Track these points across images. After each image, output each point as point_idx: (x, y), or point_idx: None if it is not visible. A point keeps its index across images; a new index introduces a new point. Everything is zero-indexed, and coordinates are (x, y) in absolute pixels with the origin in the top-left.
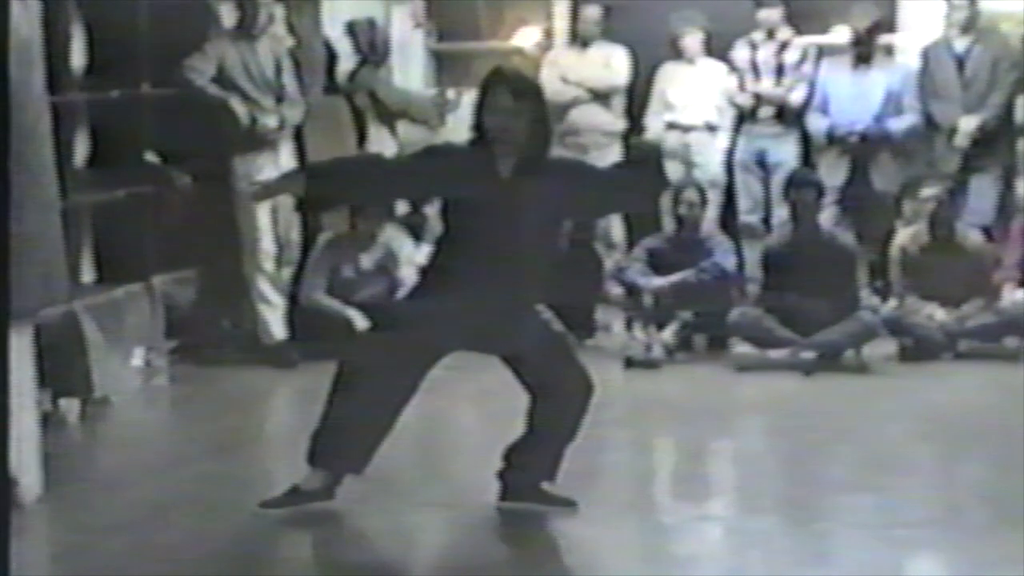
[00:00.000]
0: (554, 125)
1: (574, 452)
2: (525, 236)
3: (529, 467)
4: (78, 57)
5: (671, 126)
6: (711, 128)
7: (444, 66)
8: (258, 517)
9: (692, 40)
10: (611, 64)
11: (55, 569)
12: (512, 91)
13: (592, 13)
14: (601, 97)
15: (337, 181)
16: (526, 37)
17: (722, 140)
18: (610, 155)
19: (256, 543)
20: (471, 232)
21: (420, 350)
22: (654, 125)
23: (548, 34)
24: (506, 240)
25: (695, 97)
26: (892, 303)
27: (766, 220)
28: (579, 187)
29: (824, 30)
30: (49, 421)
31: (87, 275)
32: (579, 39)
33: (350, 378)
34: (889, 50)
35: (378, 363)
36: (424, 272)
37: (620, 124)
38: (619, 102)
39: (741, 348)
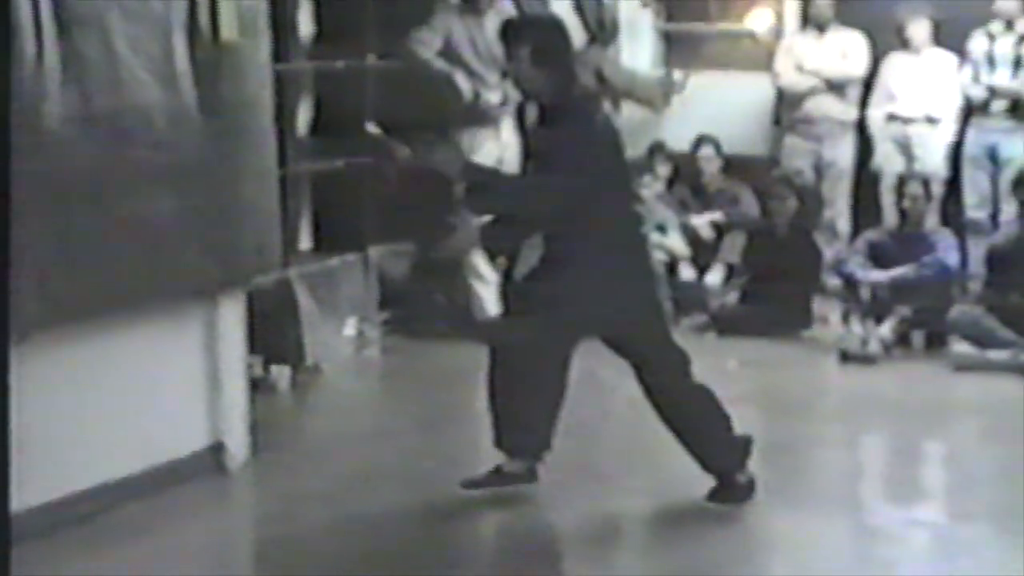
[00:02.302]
0: (788, 114)
1: (784, 447)
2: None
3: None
4: (305, 26)
5: (891, 117)
6: (932, 120)
7: (672, 47)
8: (459, 495)
9: (918, 29)
10: (848, 53)
11: (255, 535)
12: (513, 37)
13: None
14: (836, 86)
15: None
16: (759, 20)
17: (945, 132)
18: (843, 144)
19: (455, 521)
20: None
21: (554, 328)
22: (875, 115)
23: (779, 17)
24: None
25: (918, 88)
26: None
27: (993, 216)
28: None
29: None
30: (259, 387)
31: (304, 243)
32: (813, 23)
33: (499, 359)
34: None
35: (519, 344)
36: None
37: (853, 113)
38: (854, 91)
39: (960, 347)
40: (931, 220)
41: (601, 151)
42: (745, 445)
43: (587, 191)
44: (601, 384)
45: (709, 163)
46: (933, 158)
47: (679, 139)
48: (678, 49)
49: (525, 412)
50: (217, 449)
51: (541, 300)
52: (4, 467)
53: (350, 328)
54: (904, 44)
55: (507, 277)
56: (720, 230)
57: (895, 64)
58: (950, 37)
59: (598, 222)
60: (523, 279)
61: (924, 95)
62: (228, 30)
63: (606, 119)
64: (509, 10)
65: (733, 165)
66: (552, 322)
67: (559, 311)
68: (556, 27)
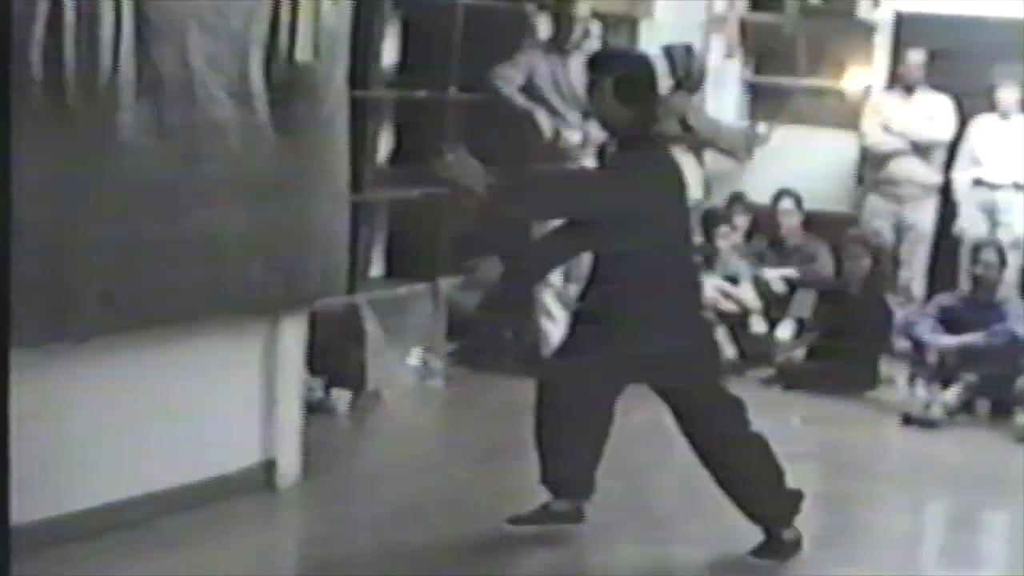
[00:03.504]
0: (873, 173)
1: (837, 505)
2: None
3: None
4: (390, 55)
5: (978, 182)
6: (1020, 187)
7: (758, 99)
8: (505, 531)
9: (1009, 94)
10: (935, 116)
11: (298, 555)
12: (598, 67)
13: (917, 58)
14: (922, 149)
15: None
16: (855, 80)
17: None
18: (926, 208)
19: (499, 557)
20: None
21: (604, 371)
22: (961, 179)
23: (868, 75)
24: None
25: (1006, 154)
26: None
27: None
28: None
29: None
30: (318, 410)
31: (376, 270)
32: (902, 83)
33: (544, 401)
34: None
35: (566, 385)
36: None
37: (938, 177)
38: (939, 154)
39: None
40: (1005, 288)
41: (666, 192)
42: (795, 500)
43: (646, 231)
44: (663, 429)
45: (788, 217)
46: (1018, 225)
47: (760, 192)
48: (764, 101)
49: (570, 452)
50: (268, 467)
51: (591, 340)
52: (4, 471)
53: (415, 357)
54: (993, 107)
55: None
56: (793, 285)
57: (983, 127)
58: None
59: (653, 263)
60: (578, 318)
61: (1012, 161)
62: (303, 51)
63: (673, 161)
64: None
65: (812, 221)
66: (602, 363)
67: (609, 352)
68: (643, 63)
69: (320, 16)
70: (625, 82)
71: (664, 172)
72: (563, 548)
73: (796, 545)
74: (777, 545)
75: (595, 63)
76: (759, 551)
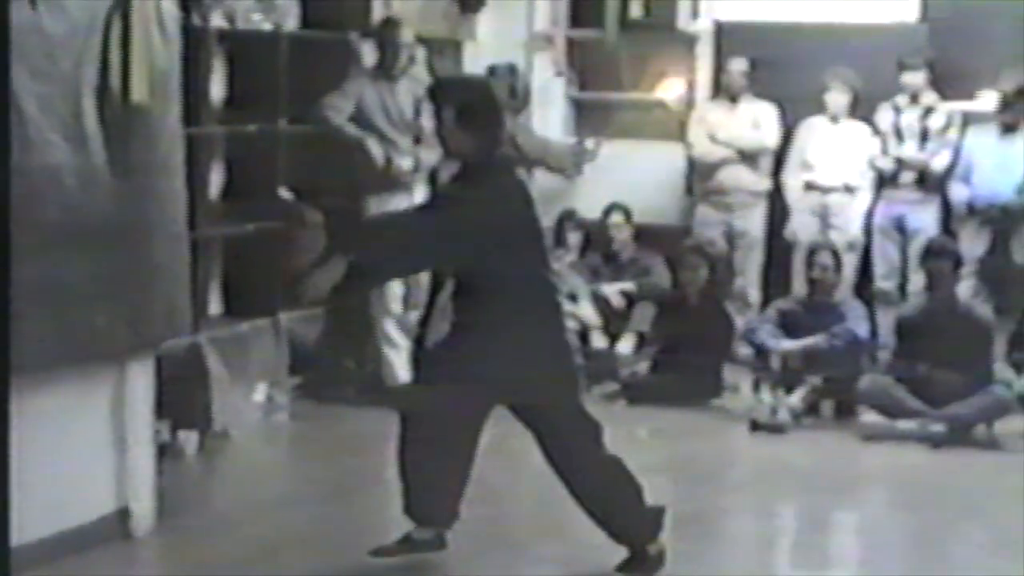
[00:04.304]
0: (702, 183)
1: (694, 516)
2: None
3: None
4: (217, 90)
5: (809, 186)
6: (850, 189)
7: (584, 115)
8: (369, 563)
9: (839, 98)
10: (760, 123)
11: None
12: (441, 97)
13: (739, 66)
14: (748, 157)
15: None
16: (669, 90)
17: (862, 202)
18: (756, 214)
19: None
20: None
21: (465, 396)
22: (792, 184)
23: (690, 86)
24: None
25: (836, 157)
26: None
27: (902, 287)
28: None
29: (970, 96)
30: (167, 452)
31: (214, 307)
32: (726, 93)
33: (410, 428)
34: None
35: (430, 412)
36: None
37: (766, 183)
38: (765, 161)
39: (869, 417)
40: (842, 290)
41: (515, 214)
42: (657, 516)
43: (500, 254)
44: (511, 452)
45: (619, 230)
46: (850, 228)
47: (591, 208)
48: (589, 117)
49: (436, 480)
50: (123, 515)
51: (451, 367)
52: (4, 470)
53: (259, 394)
54: (818, 109)
55: (419, 343)
56: (631, 299)
57: (812, 131)
58: (859, 109)
59: (511, 287)
60: (434, 345)
61: (841, 164)
62: (139, 92)
63: (522, 184)
64: (423, 77)
65: (645, 234)
66: (463, 389)
67: (470, 378)
68: (484, 89)
69: (153, 54)
70: (468, 109)
71: (514, 196)
72: None
73: (660, 558)
74: (642, 559)
75: (436, 92)
76: (625, 566)
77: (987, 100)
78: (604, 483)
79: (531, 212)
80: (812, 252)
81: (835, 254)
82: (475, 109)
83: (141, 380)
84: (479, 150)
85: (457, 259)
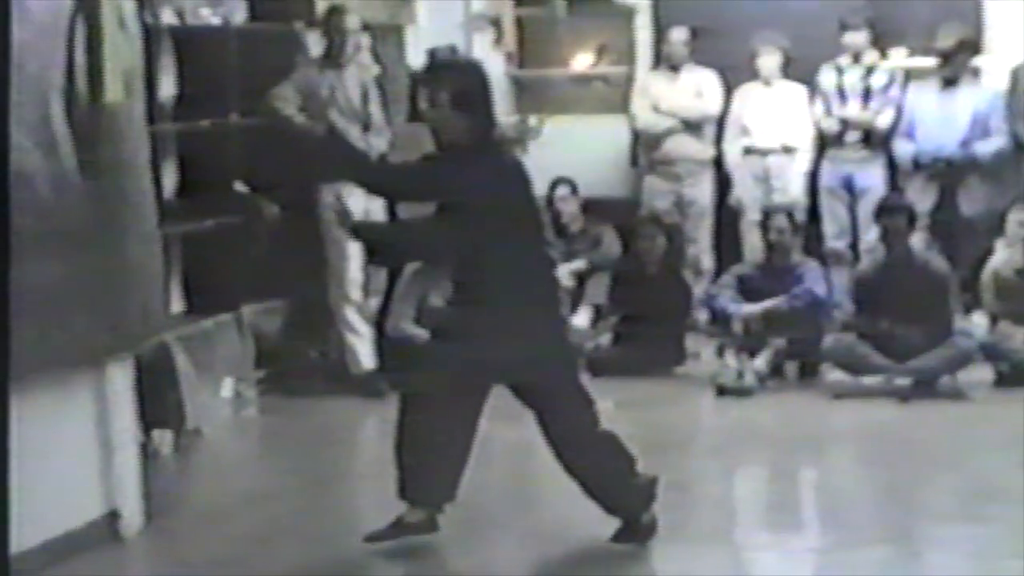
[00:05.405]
0: (648, 154)
1: (669, 484)
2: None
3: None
4: (168, 87)
5: (748, 150)
6: (789, 150)
7: (525, 93)
8: (363, 549)
9: (769, 60)
10: (703, 92)
11: None
12: (434, 81)
13: (679, 36)
14: (693, 126)
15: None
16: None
17: (802, 163)
18: (703, 182)
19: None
20: None
21: (467, 378)
22: (732, 150)
23: (631, 58)
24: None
25: (772, 119)
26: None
27: (852, 246)
28: None
29: (910, 53)
30: (143, 453)
31: (176, 306)
32: (667, 63)
33: (409, 409)
34: (976, 72)
35: (431, 393)
36: None
37: (710, 151)
38: (710, 129)
39: (834, 375)
40: (794, 252)
41: (515, 194)
42: (650, 486)
43: (499, 234)
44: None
45: (566, 204)
46: (791, 189)
47: (538, 185)
48: (531, 94)
49: (434, 462)
50: (111, 517)
51: (456, 346)
52: (4, 470)
53: (227, 389)
54: (755, 76)
55: (379, 329)
56: (581, 277)
57: (748, 97)
58: (799, 72)
59: (509, 266)
60: (434, 326)
61: (778, 126)
62: (113, 91)
63: (519, 163)
64: (369, 64)
65: (593, 207)
66: (468, 367)
67: (475, 356)
68: (478, 71)
69: (119, 53)
70: (463, 92)
71: (513, 175)
72: (425, 559)
73: (652, 527)
74: (635, 529)
75: (431, 76)
76: (619, 536)
77: (927, 57)
78: (601, 457)
79: (529, 191)
80: (767, 215)
81: (791, 216)
82: (470, 91)
83: (122, 381)
84: (474, 132)
85: (466, 242)
